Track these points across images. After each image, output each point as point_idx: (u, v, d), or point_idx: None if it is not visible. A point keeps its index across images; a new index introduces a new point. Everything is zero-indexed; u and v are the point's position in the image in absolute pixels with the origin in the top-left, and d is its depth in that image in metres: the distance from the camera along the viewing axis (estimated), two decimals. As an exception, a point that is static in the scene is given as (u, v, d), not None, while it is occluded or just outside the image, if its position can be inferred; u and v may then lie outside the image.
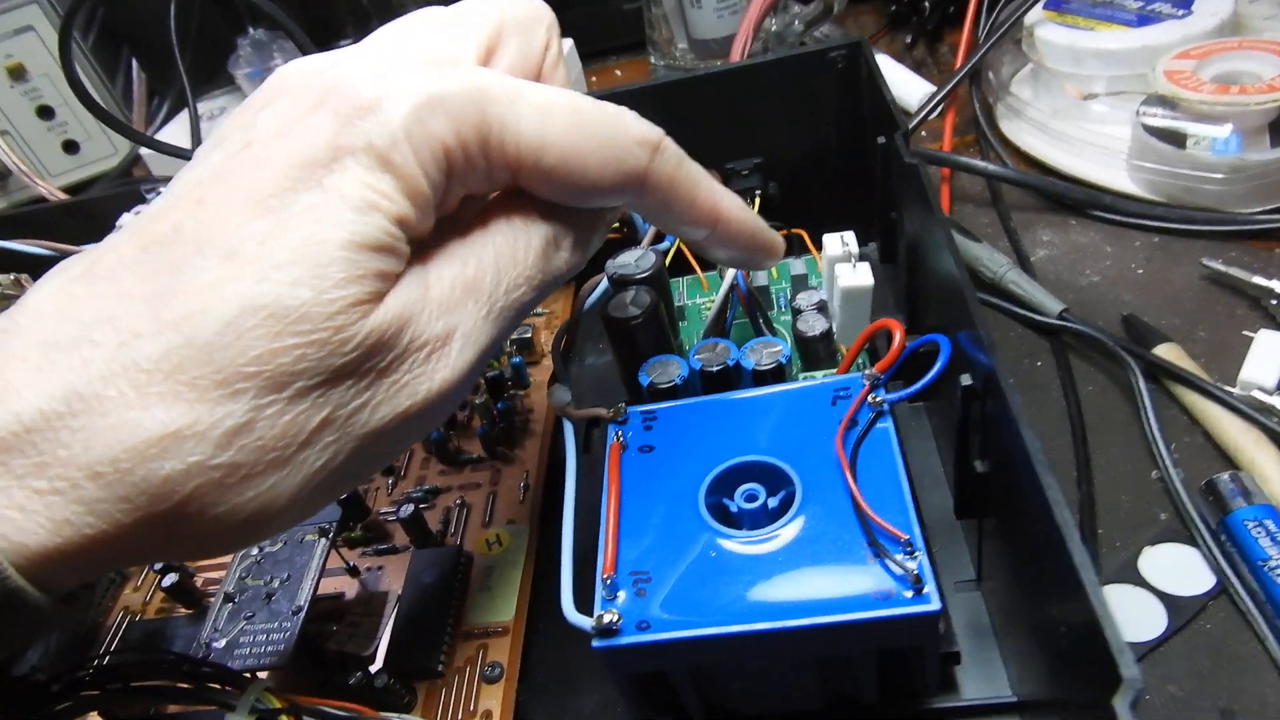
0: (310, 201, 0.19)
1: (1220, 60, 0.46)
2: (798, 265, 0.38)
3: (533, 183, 0.22)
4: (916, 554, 0.24)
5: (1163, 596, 0.30)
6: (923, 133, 0.56)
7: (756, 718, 0.29)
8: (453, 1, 0.24)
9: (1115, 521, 0.33)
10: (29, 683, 0.26)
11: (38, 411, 0.18)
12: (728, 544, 0.26)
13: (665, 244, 0.37)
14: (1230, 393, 0.35)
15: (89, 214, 0.46)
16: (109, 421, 0.18)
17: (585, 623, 0.25)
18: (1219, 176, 0.43)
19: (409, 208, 0.20)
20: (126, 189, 0.47)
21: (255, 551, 0.32)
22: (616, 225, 0.38)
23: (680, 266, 0.40)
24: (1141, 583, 0.31)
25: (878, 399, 0.28)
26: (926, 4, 0.64)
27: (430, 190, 0.20)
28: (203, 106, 0.75)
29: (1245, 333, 0.38)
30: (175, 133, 0.72)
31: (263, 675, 0.29)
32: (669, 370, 0.31)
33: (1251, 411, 0.33)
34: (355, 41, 0.23)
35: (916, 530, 0.25)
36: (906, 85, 0.57)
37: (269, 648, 0.29)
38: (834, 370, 0.33)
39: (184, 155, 0.61)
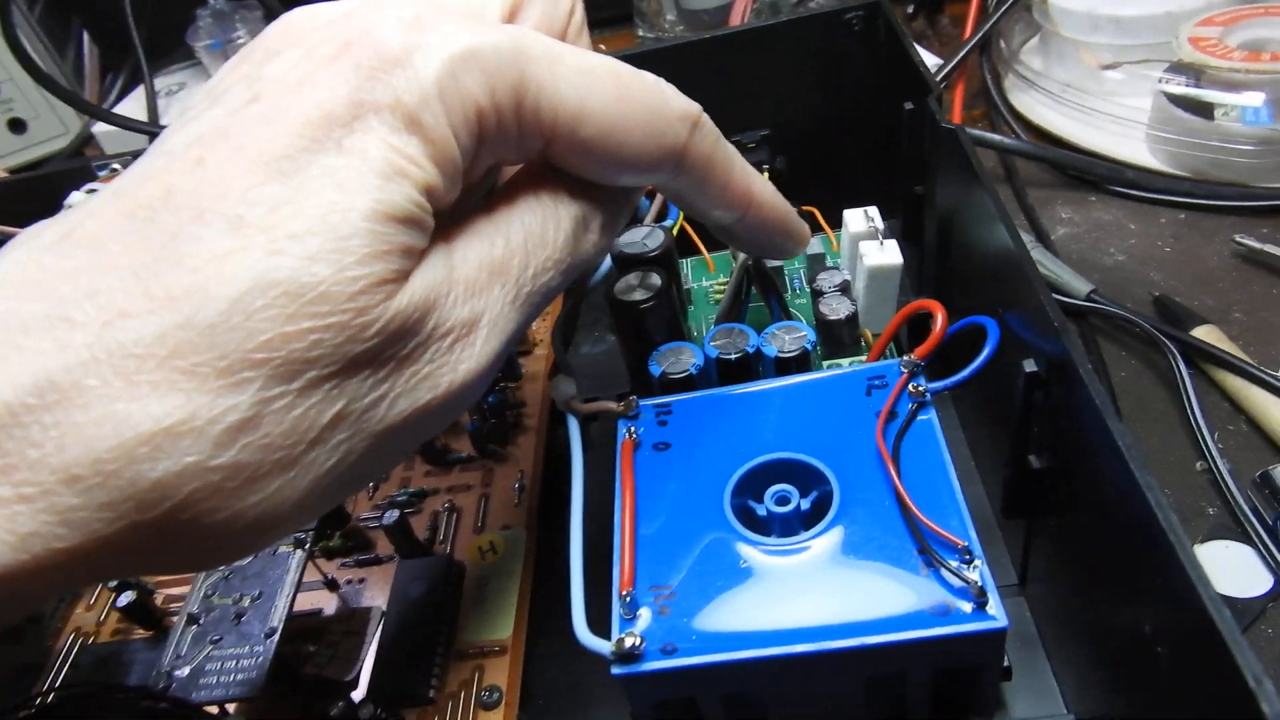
0: (329, 164, 0.17)
1: (1246, 27, 0.43)
2: (814, 244, 0.35)
3: (566, 154, 0.20)
4: (976, 562, 0.21)
5: (1219, 599, 0.28)
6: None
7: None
8: None
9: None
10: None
11: (2, 405, 0.15)
12: (760, 553, 0.23)
13: (669, 220, 0.34)
14: (1278, 377, 0.32)
15: (33, 193, 0.42)
16: (90, 415, 0.15)
17: (602, 646, 0.22)
18: (1249, 148, 0.40)
19: (437, 175, 0.18)
20: (78, 165, 0.43)
21: (222, 566, 0.29)
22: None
23: (684, 246, 0.37)
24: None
25: (919, 388, 0.25)
26: (927, -27, 0.61)
27: (460, 156, 0.18)
28: (160, 82, 0.70)
29: (1287, 313, 0.35)
30: (131, 109, 0.68)
31: (231, 708, 0.26)
32: (682, 359, 0.28)
33: (1304, 397, 0.31)
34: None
35: (974, 535, 0.22)
36: (910, 57, 0.54)
37: (239, 676, 0.26)
38: (861, 357, 0.31)
39: (144, 130, 0.57)
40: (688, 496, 0.25)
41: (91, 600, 0.33)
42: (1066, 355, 0.21)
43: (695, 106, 0.21)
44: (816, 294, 0.31)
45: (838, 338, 0.30)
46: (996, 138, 0.43)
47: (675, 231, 0.34)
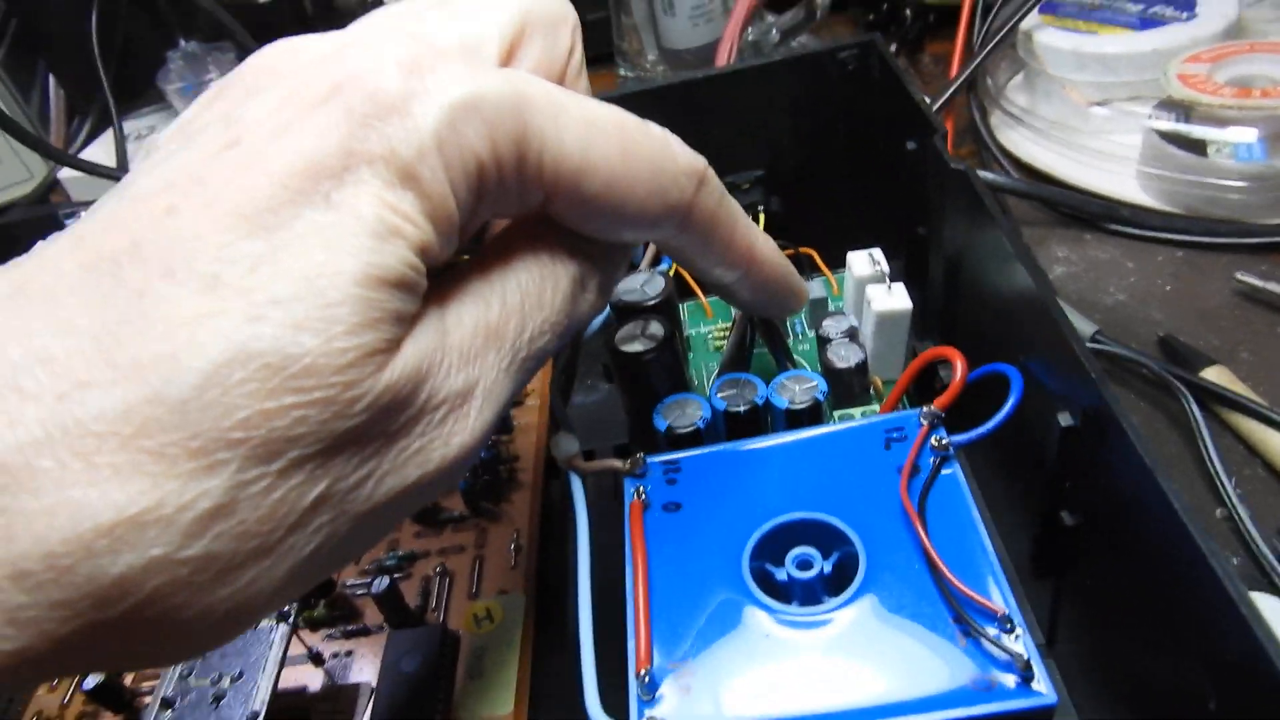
0: (316, 220, 0.15)
1: (1234, 64, 0.43)
2: (815, 288, 0.34)
3: (566, 209, 0.18)
4: (1018, 631, 0.20)
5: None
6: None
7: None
8: None
9: (1186, 567, 0.30)
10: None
11: None
12: (785, 625, 0.21)
13: (664, 265, 0.33)
14: (1294, 419, 0.32)
15: (-5, 243, 0.40)
16: (43, 503, 0.13)
17: (620, 731, 0.20)
18: (1244, 185, 0.40)
19: (433, 234, 0.16)
20: (43, 213, 0.41)
21: (192, 659, 0.27)
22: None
23: (680, 291, 0.36)
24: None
25: (942, 441, 0.24)
26: (908, 13, 0.61)
27: (458, 213, 0.17)
28: (129, 125, 0.68)
29: (1295, 352, 0.35)
30: (98, 154, 0.66)
31: (210, 805, 0.24)
32: (689, 412, 0.27)
33: (1323, 440, 0.31)
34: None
35: (1013, 602, 0.20)
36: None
37: (217, 768, 0.23)
38: (873, 407, 0.29)
39: (112, 176, 0.56)
40: (702, 562, 0.23)
41: (54, 681, 0.30)
42: (1104, 405, 0.20)
43: (700, 161, 0.20)
44: (823, 341, 0.30)
45: (848, 387, 0.29)
46: (992, 176, 0.43)
47: (672, 275, 0.33)
